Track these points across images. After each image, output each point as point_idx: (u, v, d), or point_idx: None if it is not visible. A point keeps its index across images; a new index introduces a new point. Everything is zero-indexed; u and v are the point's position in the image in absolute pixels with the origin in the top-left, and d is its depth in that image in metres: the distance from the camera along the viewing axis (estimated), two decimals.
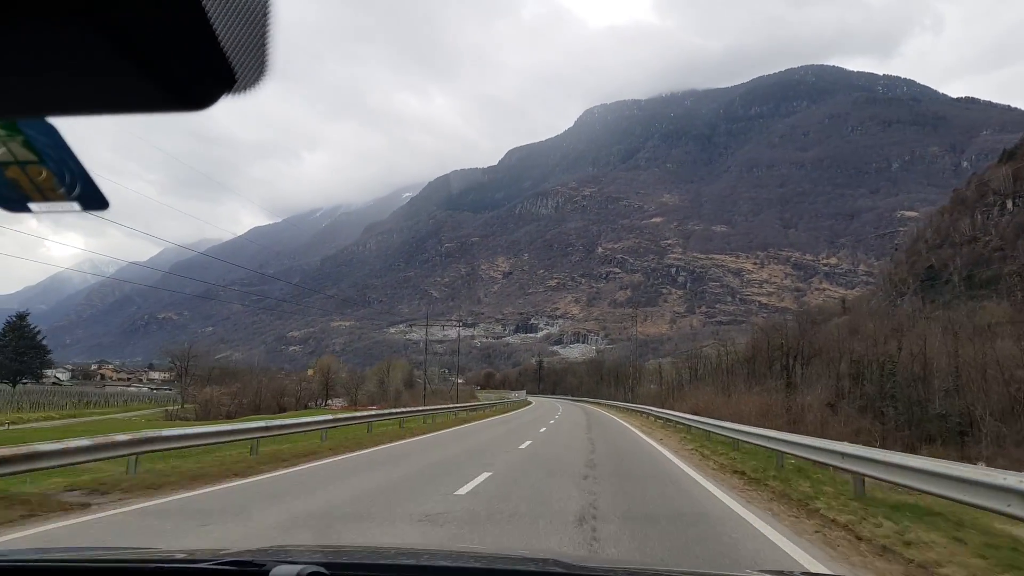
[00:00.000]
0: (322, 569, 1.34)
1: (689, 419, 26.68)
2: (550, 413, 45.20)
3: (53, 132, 0.83)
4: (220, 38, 0.63)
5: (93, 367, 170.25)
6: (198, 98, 0.68)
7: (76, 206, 0.87)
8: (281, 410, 61.03)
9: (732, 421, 22.15)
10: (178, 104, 0.67)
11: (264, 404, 63.22)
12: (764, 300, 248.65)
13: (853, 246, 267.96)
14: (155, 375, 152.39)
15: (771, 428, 17.74)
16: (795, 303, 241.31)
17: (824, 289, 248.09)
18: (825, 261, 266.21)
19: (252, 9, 0.65)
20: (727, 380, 56.42)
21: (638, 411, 43.70)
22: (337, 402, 65.89)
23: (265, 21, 0.67)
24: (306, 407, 66.21)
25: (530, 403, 75.51)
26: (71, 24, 0.57)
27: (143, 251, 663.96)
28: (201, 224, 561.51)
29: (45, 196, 0.86)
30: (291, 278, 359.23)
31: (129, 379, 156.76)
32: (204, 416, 53.12)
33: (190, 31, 0.62)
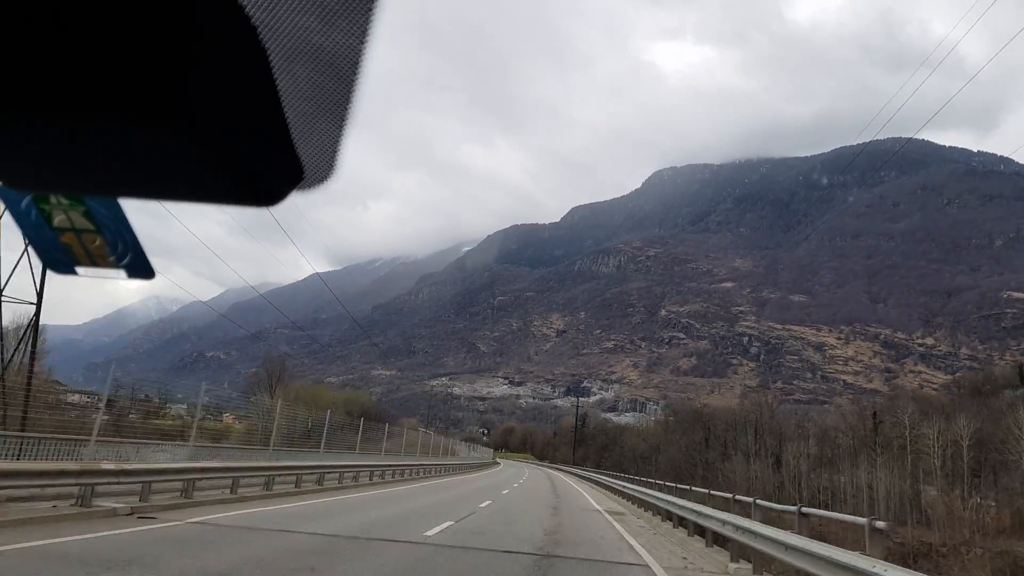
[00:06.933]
0: None
1: None
2: None
3: (115, 205, 0.88)
4: (295, 141, 0.66)
5: None
6: (268, 195, 0.71)
7: (122, 273, 0.92)
8: None
9: None
10: (248, 199, 0.71)
11: None
12: (849, 379, 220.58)
13: (952, 326, 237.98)
14: None
15: None
16: (885, 385, 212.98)
17: (920, 372, 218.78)
18: (920, 341, 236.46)
19: (332, 116, 0.68)
20: None
21: None
22: None
23: (342, 127, 0.70)
24: None
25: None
26: (149, 116, 0.59)
27: (207, 290, 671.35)
28: (264, 267, 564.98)
29: (95, 263, 0.91)
30: (341, 324, 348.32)
31: None
32: None
33: (269, 133, 0.65)
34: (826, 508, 37.16)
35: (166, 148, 0.63)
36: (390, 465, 26.72)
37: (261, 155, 0.67)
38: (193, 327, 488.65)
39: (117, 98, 0.58)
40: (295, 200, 0.74)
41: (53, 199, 0.87)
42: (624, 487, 32.25)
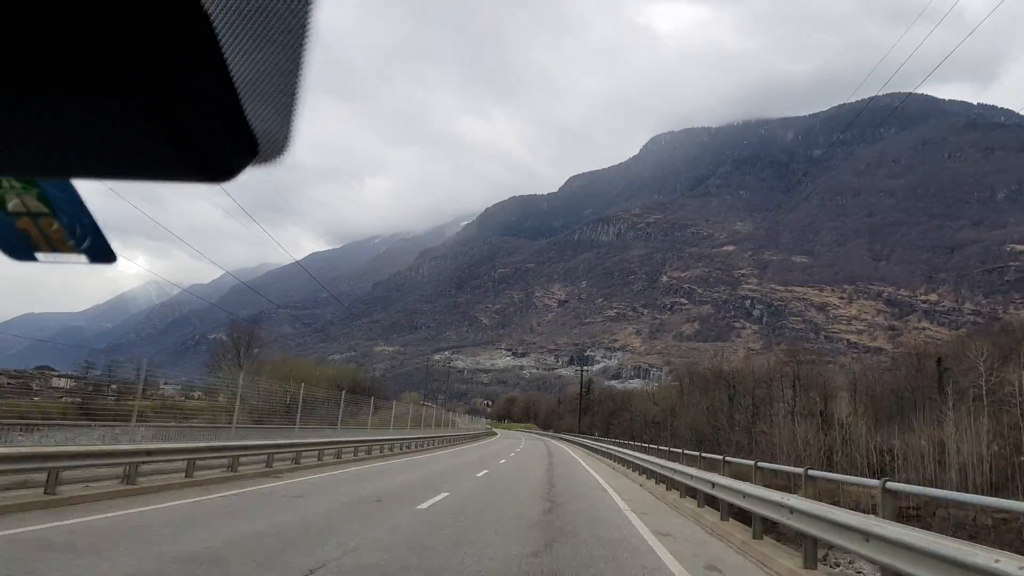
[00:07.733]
0: None
1: None
2: None
3: (69, 187, 0.85)
4: (247, 113, 0.64)
5: None
6: (221, 171, 0.69)
7: (83, 258, 0.88)
8: None
9: None
10: (202, 175, 0.68)
11: None
12: (854, 338, 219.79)
13: (956, 281, 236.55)
14: None
15: None
16: (890, 343, 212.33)
17: (924, 328, 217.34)
18: (924, 297, 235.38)
19: (283, 85, 0.66)
20: None
21: None
22: None
23: (294, 97, 0.68)
24: None
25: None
26: (94, 92, 0.57)
27: (207, 273, 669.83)
28: (263, 248, 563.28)
29: (53, 247, 0.87)
30: (343, 302, 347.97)
31: None
32: None
33: (219, 104, 0.62)
34: (893, 474, 31.32)
35: (113, 125, 0.61)
36: (312, 444, 20.80)
37: (213, 129, 0.64)
38: (194, 310, 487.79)
39: (58, 73, 0.55)
40: (251, 175, 0.72)
41: (5, 183, 0.84)
42: (691, 477, 14.71)
